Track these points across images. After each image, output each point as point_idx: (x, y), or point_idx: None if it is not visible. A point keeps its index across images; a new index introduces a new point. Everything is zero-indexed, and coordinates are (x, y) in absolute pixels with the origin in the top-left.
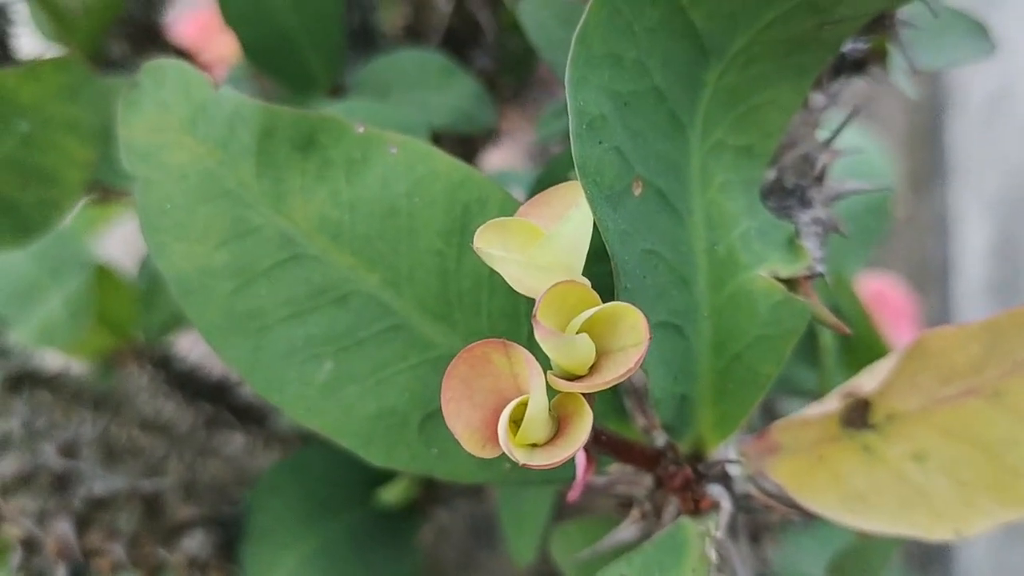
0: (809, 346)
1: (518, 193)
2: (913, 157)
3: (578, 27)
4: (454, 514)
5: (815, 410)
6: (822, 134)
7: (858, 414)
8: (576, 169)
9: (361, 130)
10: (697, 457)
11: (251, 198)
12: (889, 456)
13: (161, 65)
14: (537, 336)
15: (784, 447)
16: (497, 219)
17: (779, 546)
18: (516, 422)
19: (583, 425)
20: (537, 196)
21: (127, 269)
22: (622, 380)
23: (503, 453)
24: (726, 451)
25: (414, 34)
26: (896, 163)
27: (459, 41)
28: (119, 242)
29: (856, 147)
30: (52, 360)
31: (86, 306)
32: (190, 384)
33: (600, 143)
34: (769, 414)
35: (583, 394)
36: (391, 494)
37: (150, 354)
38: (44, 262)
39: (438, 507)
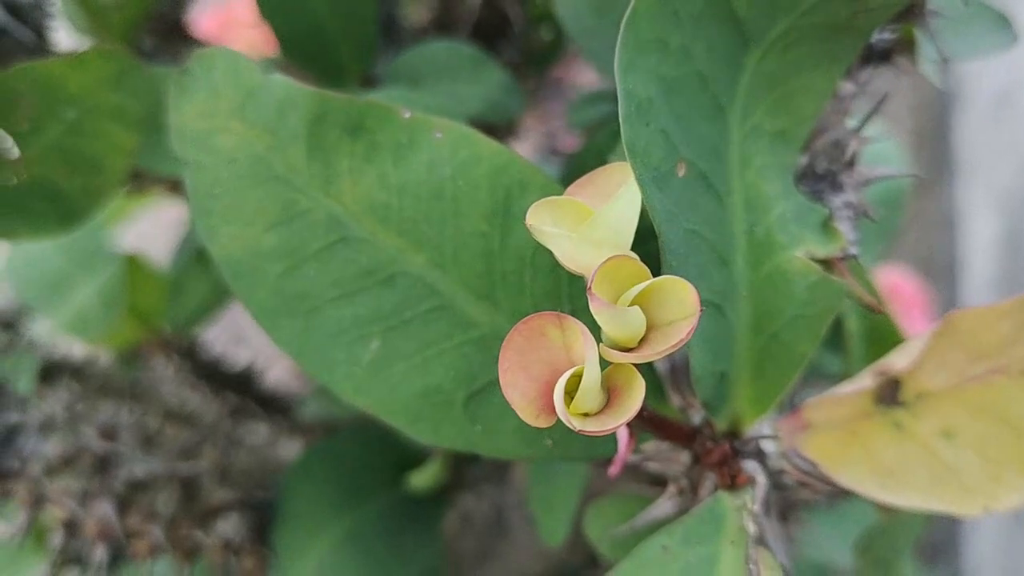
0: (832, 331)
1: None
2: (920, 152)
3: (627, 13)
4: (479, 501)
5: (847, 388)
6: (851, 122)
7: (889, 392)
8: (625, 149)
9: (408, 115)
10: (733, 434)
11: (300, 182)
12: (919, 433)
13: (211, 52)
14: (592, 308)
15: (817, 424)
16: (548, 198)
17: (803, 526)
18: (569, 393)
19: (636, 394)
20: (584, 177)
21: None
22: (673, 351)
23: (545, 429)
24: (761, 428)
25: (442, 26)
26: (904, 158)
27: (487, 33)
28: (135, 239)
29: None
30: (75, 352)
31: (118, 296)
32: (215, 375)
33: (648, 125)
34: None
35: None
36: (420, 479)
37: (177, 345)
38: (73, 254)
39: (464, 492)
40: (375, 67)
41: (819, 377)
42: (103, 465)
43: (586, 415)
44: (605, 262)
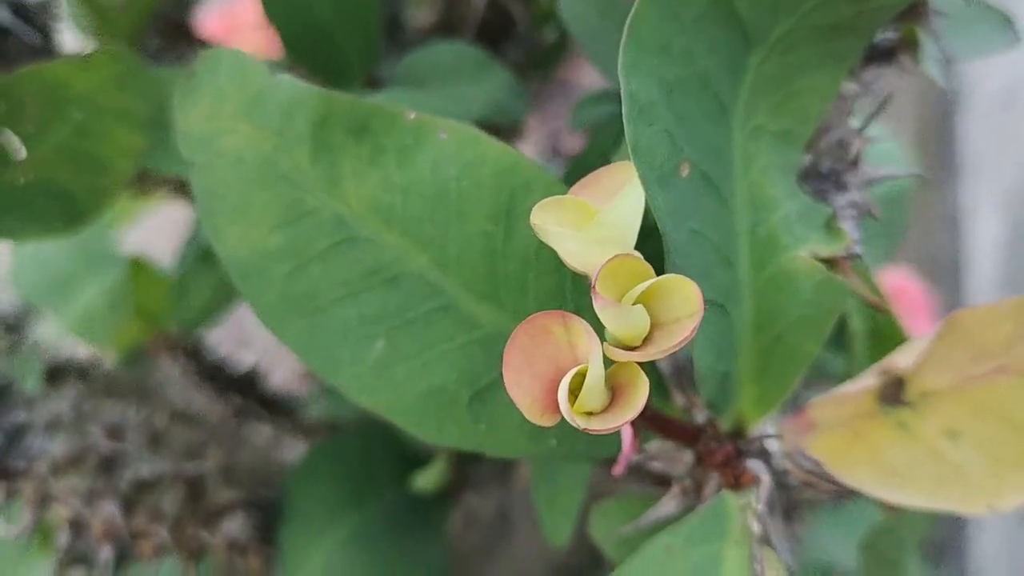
0: (835, 331)
1: None
2: (924, 151)
3: (629, 16)
4: (483, 500)
5: (851, 387)
6: (854, 122)
7: (893, 391)
8: (629, 150)
9: (412, 116)
10: (737, 434)
11: (306, 182)
12: (923, 432)
13: (217, 53)
14: (596, 306)
15: (821, 424)
16: (552, 197)
17: (808, 526)
18: (573, 392)
19: (640, 393)
20: (587, 177)
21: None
22: (677, 349)
23: (549, 427)
24: (765, 428)
25: (447, 27)
26: (907, 157)
27: (491, 34)
28: (139, 240)
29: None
30: (79, 353)
31: (124, 298)
32: (220, 376)
33: (651, 125)
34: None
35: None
36: (425, 479)
37: (182, 346)
38: (78, 256)
39: (468, 492)
40: (379, 69)
41: (822, 377)
42: (109, 465)
43: (590, 413)
44: (609, 261)
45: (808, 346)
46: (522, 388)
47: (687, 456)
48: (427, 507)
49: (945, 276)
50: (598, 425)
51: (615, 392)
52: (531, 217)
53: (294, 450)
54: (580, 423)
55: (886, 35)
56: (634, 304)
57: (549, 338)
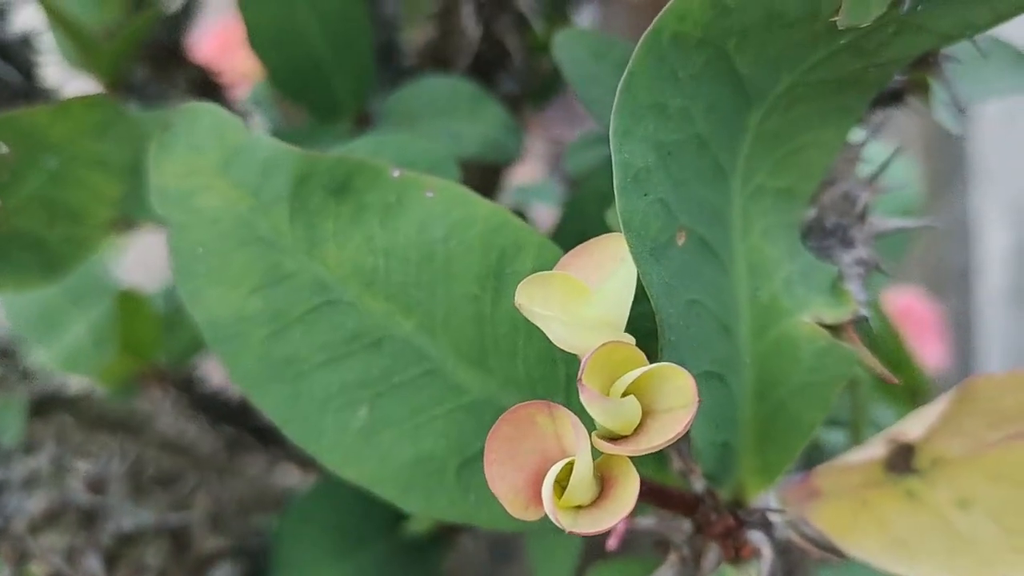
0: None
1: (542, 209)
2: (932, 162)
3: (623, 76)
4: (477, 543)
5: (858, 455)
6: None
7: (902, 459)
8: (620, 224)
9: (397, 174)
10: (738, 503)
11: (284, 244)
12: (934, 501)
13: (195, 108)
14: (583, 400)
15: (826, 492)
16: (539, 274)
17: None
18: (560, 483)
19: (630, 489)
20: (577, 248)
21: (146, 287)
22: (669, 444)
23: None
24: (766, 498)
25: (439, 57)
26: (915, 168)
27: (485, 64)
28: (136, 256)
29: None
30: (72, 382)
31: (110, 334)
32: (212, 407)
33: (645, 195)
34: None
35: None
36: (418, 523)
37: (173, 377)
38: (66, 288)
39: (463, 535)
40: (371, 102)
41: (831, 424)
42: (90, 519)
43: (579, 507)
44: (598, 348)
45: (812, 415)
46: (505, 481)
47: (685, 525)
48: (421, 552)
49: (954, 286)
50: (586, 525)
51: (605, 484)
52: (516, 297)
53: (289, 476)
54: (566, 524)
55: (895, 77)
56: (625, 393)
57: (534, 428)
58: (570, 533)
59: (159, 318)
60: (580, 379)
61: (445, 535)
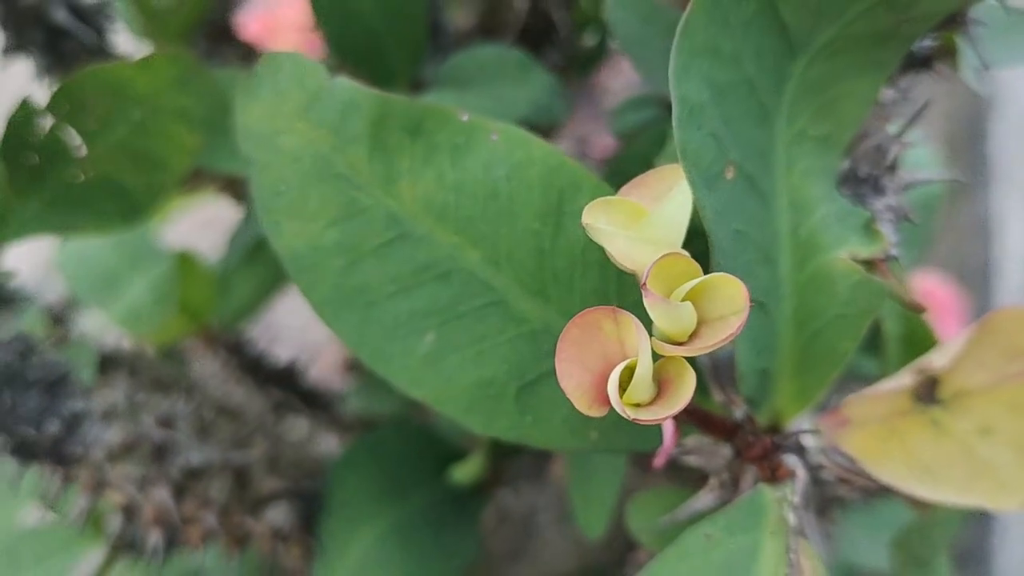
0: (869, 335)
1: None
2: (954, 159)
3: (682, 21)
4: (517, 498)
5: (886, 385)
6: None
7: (928, 390)
8: (678, 152)
9: (465, 118)
10: (774, 429)
11: (361, 180)
12: (957, 430)
13: (278, 56)
14: (646, 302)
15: (856, 420)
16: (603, 198)
17: (837, 525)
18: (621, 385)
19: (686, 386)
20: (636, 179)
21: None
22: (722, 345)
23: (592, 421)
24: (801, 423)
25: (488, 31)
26: (939, 163)
27: (532, 38)
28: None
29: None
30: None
31: (170, 292)
32: (260, 370)
33: (699, 128)
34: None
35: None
36: (463, 472)
37: (223, 340)
38: (124, 250)
39: (502, 489)
40: (423, 71)
41: (856, 380)
42: (161, 453)
43: (638, 405)
44: (659, 259)
45: (845, 344)
46: (573, 380)
47: (725, 450)
48: (463, 502)
49: (975, 282)
50: (647, 416)
51: (661, 386)
52: (583, 217)
53: (329, 445)
54: (630, 414)
55: (923, 43)
56: (682, 301)
57: (600, 333)
58: (633, 421)
59: (213, 279)
60: (644, 283)
61: (485, 487)
